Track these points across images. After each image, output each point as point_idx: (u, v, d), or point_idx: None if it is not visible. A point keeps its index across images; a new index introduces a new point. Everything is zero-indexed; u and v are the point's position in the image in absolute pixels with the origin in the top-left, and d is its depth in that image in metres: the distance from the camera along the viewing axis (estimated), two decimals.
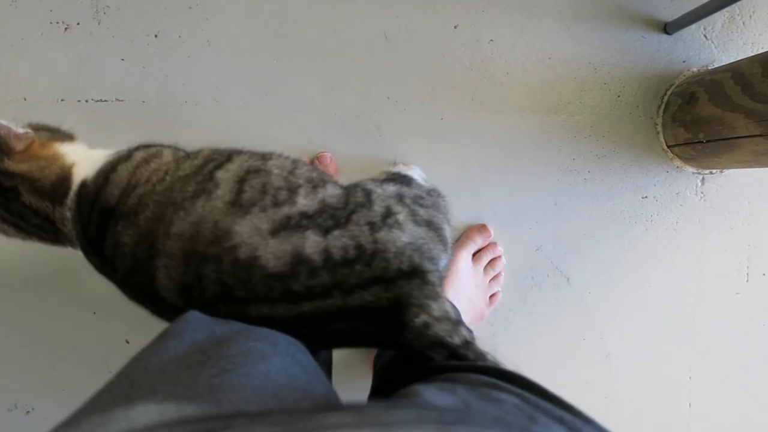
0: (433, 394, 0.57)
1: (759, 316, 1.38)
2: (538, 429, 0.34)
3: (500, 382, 0.64)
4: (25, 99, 1.16)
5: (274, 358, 0.58)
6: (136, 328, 1.23)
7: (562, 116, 1.29)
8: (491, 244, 1.26)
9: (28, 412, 1.23)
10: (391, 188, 0.81)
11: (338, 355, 1.16)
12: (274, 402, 0.51)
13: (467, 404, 0.56)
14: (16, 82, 1.16)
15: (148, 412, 0.36)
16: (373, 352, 1.20)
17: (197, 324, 0.68)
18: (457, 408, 0.53)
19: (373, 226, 0.72)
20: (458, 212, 1.27)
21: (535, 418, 0.45)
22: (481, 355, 0.76)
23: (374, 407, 0.36)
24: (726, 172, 1.33)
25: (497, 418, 0.36)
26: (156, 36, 1.19)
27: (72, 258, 1.19)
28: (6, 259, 1.19)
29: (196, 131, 1.19)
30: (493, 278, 1.25)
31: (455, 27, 1.25)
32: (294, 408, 0.39)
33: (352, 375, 1.25)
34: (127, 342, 1.23)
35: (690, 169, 1.31)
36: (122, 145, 1.12)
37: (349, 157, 1.21)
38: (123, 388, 0.53)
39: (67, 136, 0.92)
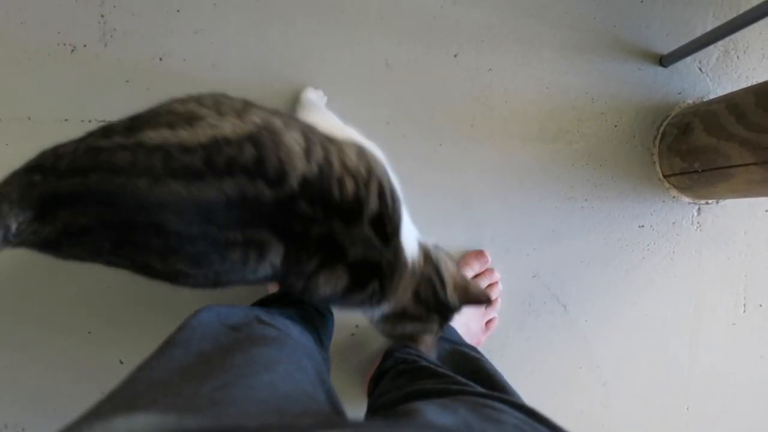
0: (434, 413, 0.56)
1: (756, 347, 1.38)
2: None
3: (501, 405, 0.64)
4: (29, 118, 1.17)
5: (278, 367, 0.58)
6: (130, 348, 1.22)
7: (560, 145, 1.30)
8: (488, 270, 1.26)
9: None
10: None
11: (335, 380, 1.15)
12: (277, 415, 0.51)
13: (468, 425, 0.55)
14: (22, 101, 1.17)
15: (148, 421, 0.36)
16: (370, 373, 1.20)
17: (204, 332, 0.68)
18: (458, 428, 0.53)
19: None
20: (456, 238, 1.28)
21: None
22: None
23: (374, 426, 0.36)
24: (722, 202, 1.34)
25: None
26: (161, 59, 1.20)
27: (68, 280, 1.19)
28: (0, 280, 1.19)
29: None
30: (490, 305, 1.25)
31: (455, 56, 1.27)
32: (294, 424, 0.39)
33: (348, 398, 1.24)
34: (121, 362, 1.22)
35: (686, 199, 1.32)
36: None
37: None
38: (125, 397, 0.53)
39: None
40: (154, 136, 0.66)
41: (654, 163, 1.32)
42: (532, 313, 1.31)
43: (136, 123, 0.70)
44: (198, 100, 0.72)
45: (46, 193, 0.67)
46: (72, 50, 1.18)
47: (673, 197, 1.32)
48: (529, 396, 0.87)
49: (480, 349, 1.23)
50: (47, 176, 0.67)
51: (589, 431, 1.34)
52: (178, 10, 1.20)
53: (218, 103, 0.71)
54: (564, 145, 1.30)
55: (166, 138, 0.66)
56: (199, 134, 0.66)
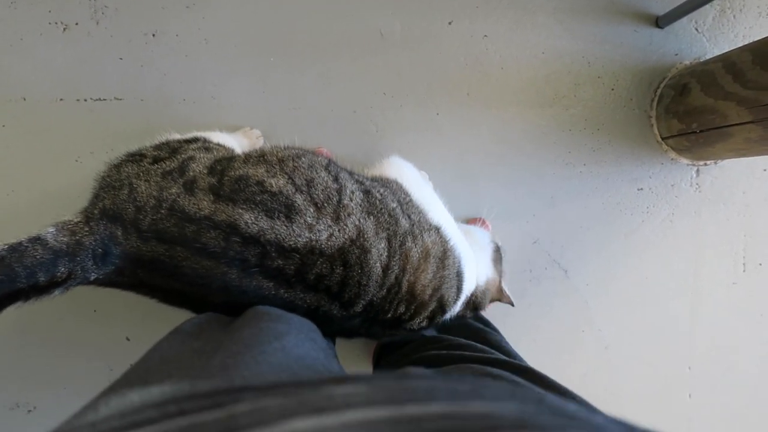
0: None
1: (756, 305, 1.39)
2: (551, 398, 0.34)
3: (502, 372, 0.65)
4: (24, 99, 1.17)
5: (288, 336, 0.58)
6: (136, 325, 1.23)
7: (557, 110, 1.30)
8: None
9: (29, 410, 1.23)
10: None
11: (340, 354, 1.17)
12: (289, 376, 0.52)
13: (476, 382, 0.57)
14: (16, 82, 1.17)
15: (163, 391, 0.36)
16: (373, 345, 1.21)
17: (210, 319, 0.69)
18: (471, 381, 0.54)
19: None
20: (455, 206, 1.27)
21: (545, 394, 0.46)
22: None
23: (386, 379, 0.35)
24: (720, 163, 1.34)
25: (510, 392, 0.35)
26: (154, 35, 1.20)
27: None
28: None
29: (194, 128, 1.20)
30: None
31: (450, 23, 1.26)
32: (305, 380, 0.40)
33: (351, 367, 1.26)
34: (128, 339, 1.23)
35: (684, 161, 1.32)
36: (125, 144, 1.13)
37: (345, 152, 1.22)
38: (139, 374, 0.54)
39: None
40: (249, 220, 0.71)
41: (651, 125, 1.32)
42: (533, 280, 1.32)
43: (223, 183, 0.73)
44: (290, 174, 0.77)
45: (128, 253, 0.70)
46: (64, 29, 1.17)
47: (672, 159, 1.32)
48: (532, 361, 0.88)
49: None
50: (129, 233, 0.70)
51: (592, 394, 1.34)
52: None
53: (310, 182, 0.76)
54: (561, 110, 1.30)
55: (263, 229, 0.71)
56: (297, 235, 0.72)
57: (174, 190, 0.72)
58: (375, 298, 0.78)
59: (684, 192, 1.34)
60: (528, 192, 1.28)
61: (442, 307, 0.87)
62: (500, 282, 1.07)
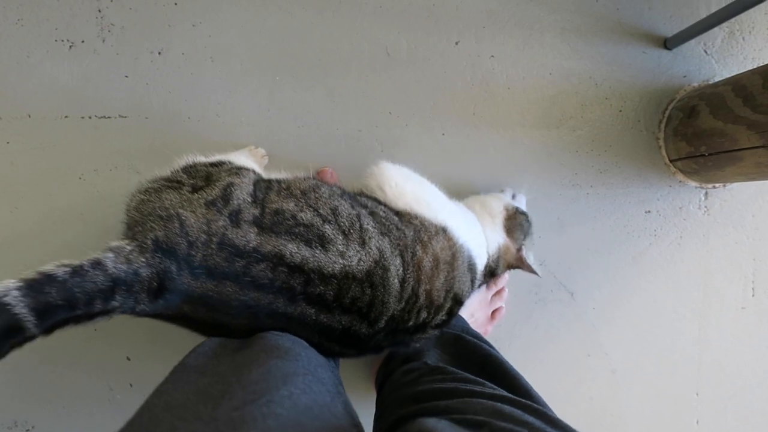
0: None
1: (766, 330, 1.37)
2: None
3: (513, 410, 0.64)
4: (29, 116, 1.17)
5: (296, 379, 0.57)
6: (137, 345, 1.22)
7: (564, 131, 1.29)
8: None
9: (27, 430, 1.22)
10: None
11: (342, 371, 1.15)
12: (297, 430, 0.51)
13: None
14: (21, 99, 1.17)
15: None
16: (376, 366, 1.19)
17: (217, 351, 0.68)
18: None
19: None
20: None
21: None
22: None
23: None
24: (729, 186, 1.33)
25: None
26: (159, 53, 1.20)
27: None
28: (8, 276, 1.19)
29: (199, 147, 1.19)
30: (496, 294, 1.24)
31: (456, 43, 1.26)
32: None
33: (355, 389, 1.24)
34: (128, 359, 1.22)
35: (693, 184, 1.31)
36: (129, 162, 1.13)
37: (350, 171, 1.21)
38: (143, 424, 0.52)
39: None
40: (293, 250, 0.74)
41: (660, 147, 1.30)
42: (539, 302, 1.30)
43: (265, 215, 0.76)
44: (314, 206, 0.81)
45: (179, 289, 0.70)
46: (70, 46, 1.18)
47: (680, 182, 1.31)
48: (538, 385, 0.87)
49: (487, 338, 1.23)
50: (182, 270, 0.70)
51: (598, 419, 1.33)
52: (175, 4, 1.19)
53: (335, 211, 0.81)
54: (568, 132, 1.29)
55: (305, 258, 0.75)
56: (333, 262, 0.76)
57: (221, 223, 0.73)
58: (395, 312, 0.82)
59: (692, 215, 1.32)
60: (534, 213, 1.26)
61: (459, 301, 0.92)
62: (519, 250, 1.09)
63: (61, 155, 1.18)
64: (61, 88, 1.18)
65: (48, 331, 0.63)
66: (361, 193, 0.95)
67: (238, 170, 0.86)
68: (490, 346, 1.05)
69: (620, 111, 1.30)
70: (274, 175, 0.91)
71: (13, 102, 1.17)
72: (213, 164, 0.89)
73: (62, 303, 0.61)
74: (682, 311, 1.34)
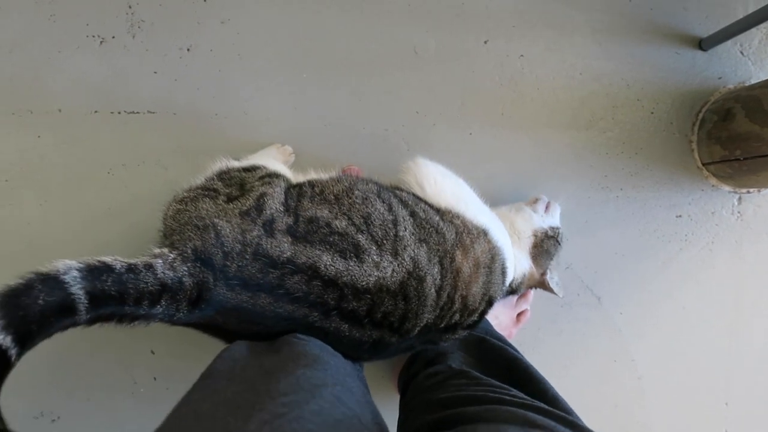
0: None
1: None
2: None
3: (546, 420, 0.63)
4: (60, 110, 1.18)
5: (325, 391, 0.56)
6: (161, 339, 1.23)
7: (594, 133, 1.27)
8: None
9: (53, 420, 1.23)
10: None
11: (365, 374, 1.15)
12: None
13: None
14: (52, 94, 1.18)
15: None
16: (399, 367, 1.18)
17: (245, 357, 0.67)
18: None
19: None
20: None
21: None
22: None
23: None
24: (764, 191, 1.29)
25: None
26: (188, 50, 1.20)
27: None
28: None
29: (226, 143, 1.20)
30: (522, 296, 1.22)
31: (485, 42, 1.24)
32: None
33: (377, 390, 1.23)
34: (153, 353, 1.23)
35: (726, 188, 1.28)
36: (157, 156, 1.13)
37: (376, 171, 1.20)
38: None
39: None
40: (328, 262, 0.73)
41: (692, 150, 1.27)
42: (565, 306, 1.28)
43: (299, 223, 0.75)
44: (348, 213, 0.79)
45: (214, 300, 0.70)
46: (101, 42, 1.19)
47: (713, 186, 1.28)
48: (562, 390, 0.85)
49: (512, 341, 1.21)
50: (218, 280, 0.70)
51: (623, 426, 1.31)
52: (204, 0, 1.19)
53: (368, 219, 0.79)
54: (598, 133, 1.27)
55: (339, 271, 0.73)
56: (368, 275, 0.75)
57: (256, 233, 0.72)
58: (429, 321, 0.81)
59: (725, 220, 1.29)
60: (562, 216, 1.24)
61: (491, 303, 0.91)
62: (543, 274, 1.07)
63: (90, 150, 1.19)
64: (91, 83, 1.19)
65: (93, 320, 0.64)
66: (399, 188, 0.93)
67: (271, 178, 0.85)
68: (515, 349, 1.03)
69: (652, 113, 1.27)
70: (302, 177, 0.90)
71: (44, 96, 1.18)
72: (246, 169, 0.89)
73: (115, 294, 0.62)
74: (713, 318, 1.31)
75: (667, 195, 1.28)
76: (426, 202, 0.90)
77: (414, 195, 0.92)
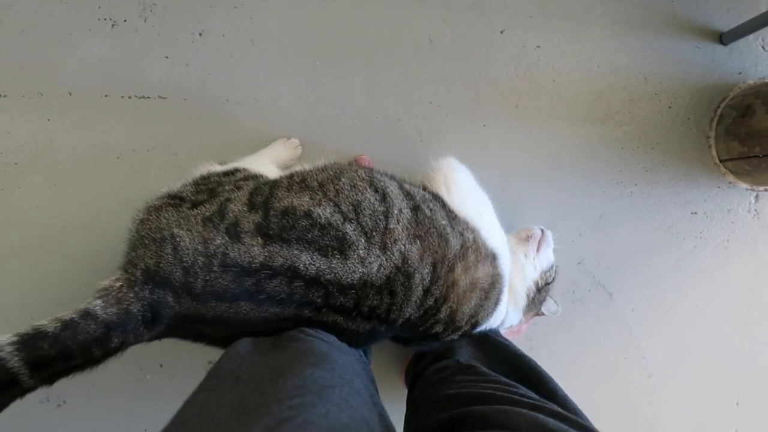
0: None
1: None
2: None
3: (559, 424, 0.61)
4: (70, 94, 1.17)
5: (332, 393, 0.55)
6: None
7: (610, 126, 1.24)
8: None
9: (59, 405, 1.23)
10: None
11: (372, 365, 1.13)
12: None
13: None
14: (63, 77, 1.17)
15: None
16: (406, 362, 1.17)
17: (252, 355, 0.66)
18: None
19: None
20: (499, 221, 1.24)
21: None
22: None
23: None
24: None
25: None
26: (200, 34, 1.19)
27: (104, 255, 1.19)
28: (44, 255, 1.20)
29: (236, 130, 1.19)
30: None
31: (501, 32, 1.22)
32: None
33: (384, 383, 1.22)
34: (159, 340, 1.22)
35: (743, 185, 1.26)
36: (166, 142, 1.12)
37: (387, 160, 1.19)
38: None
39: None
40: (307, 261, 0.70)
41: (710, 146, 1.25)
42: (576, 301, 1.27)
43: (270, 219, 0.72)
44: (334, 200, 0.75)
45: (184, 315, 0.69)
46: (113, 25, 1.17)
47: (729, 183, 1.26)
48: (570, 385, 0.84)
49: (521, 336, 1.20)
50: (181, 297, 0.68)
51: (632, 422, 1.29)
52: None
53: (357, 207, 0.75)
54: (614, 127, 1.25)
55: (320, 270, 0.71)
56: (352, 272, 0.72)
57: (219, 241, 0.69)
58: (412, 317, 0.79)
59: (741, 218, 1.27)
60: (575, 210, 1.23)
61: (474, 326, 0.88)
62: (524, 323, 1.05)
63: (100, 134, 1.18)
64: (102, 66, 1.17)
65: (48, 380, 0.64)
66: (411, 183, 0.89)
67: (246, 181, 0.83)
68: (515, 346, 1.01)
69: (670, 107, 1.25)
70: (298, 167, 0.87)
71: (55, 79, 1.17)
72: (226, 173, 0.87)
73: (56, 355, 0.62)
74: (726, 317, 1.29)
75: (683, 191, 1.26)
76: (441, 204, 0.86)
77: (431, 193, 0.88)
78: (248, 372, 0.60)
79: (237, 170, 0.88)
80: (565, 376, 0.87)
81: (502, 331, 1.03)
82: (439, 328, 0.83)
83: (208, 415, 0.52)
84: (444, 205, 0.86)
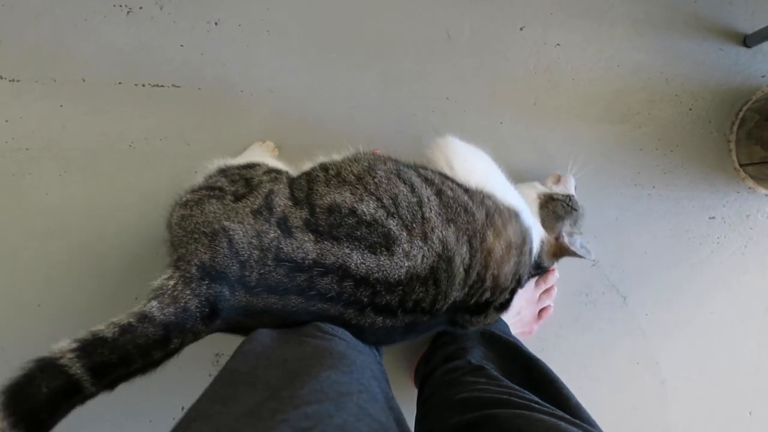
0: None
1: None
2: None
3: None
4: (83, 80, 1.16)
5: (349, 401, 0.53)
6: None
7: (629, 127, 1.23)
8: None
9: None
10: None
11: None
12: None
13: None
14: (76, 63, 1.16)
15: None
16: (416, 359, 1.16)
17: (268, 355, 0.64)
18: None
19: None
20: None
21: None
22: None
23: None
24: None
25: None
26: (216, 23, 1.17)
27: (115, 243, 1.18)
28: (53, 242, 1.19)
29: (250, 121, 1.18)
30: (545, 292, 1.19)
31: (521, 29, 1.20)
32: None
33: (393, 381, 1.21)
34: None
35: (763, 191, 1.23)
36: (179, 131, 1.11)
37: (401, 156, 1.17)
38: None
39: None
40: (358, 261, 0.70)
41: (730, 150, 1.23)
42: (589, 304, 1.25)
43: (317, 215, 0.72)
44: (375, 193, 0.75)
45: (236, 307, 0.69)
46: (128, 12, 1.16)
47: (749, 188, 1.23)
48: (581, 389, 0.82)
49: (533, 338, 1.19)
50: (236, 291, 0.68)
51: (643, 428, 1.28)
52: None
53: (395, 200, 0.75)
54: (632, 128, 1.23)
55: (371, 269, 0.71)
56: (399, 267, 0.72)
57: (272, 234, 0.69)
58: (457, 299, 0.78)
59: (760, 224, 1.25)
60: (591, 211, 1.21)
61: (519, 282, 0.88)
62: (557, 237, 1.01)
63: (112, 122, 1.17)
64: (116, 53, 1.16)
65: (109, 386, 0.62)
66: (423, 167, 0.88)
67: (275, 173, 0.83)
68: (526, 348, 1.00)
69: (690, 109, 1.23)
70: (308, 165, 0.86)
71: (68, 65, 1.16)
72: (245, 167, 0.86)
73: (117, 361, 0.61)
74: (742, 325, 1.27)
75: (701, 195, 1.24)
76: (454, 181, 0.86)
77: (440, 173, 0.87)
78: (264, 374, 0.58)
79: (255, 164, 0.86)
80: (576, 380, 0.86)
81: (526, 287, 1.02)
82: (487, 294, 0.82)
83: (222, 424, 0.51)
84: (454, 182, 0.86)
